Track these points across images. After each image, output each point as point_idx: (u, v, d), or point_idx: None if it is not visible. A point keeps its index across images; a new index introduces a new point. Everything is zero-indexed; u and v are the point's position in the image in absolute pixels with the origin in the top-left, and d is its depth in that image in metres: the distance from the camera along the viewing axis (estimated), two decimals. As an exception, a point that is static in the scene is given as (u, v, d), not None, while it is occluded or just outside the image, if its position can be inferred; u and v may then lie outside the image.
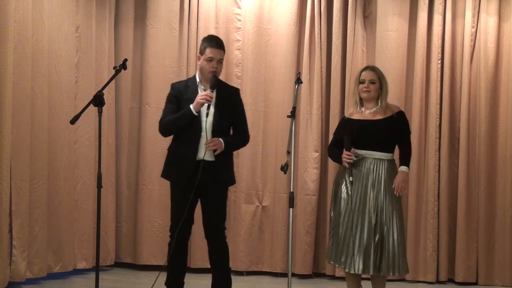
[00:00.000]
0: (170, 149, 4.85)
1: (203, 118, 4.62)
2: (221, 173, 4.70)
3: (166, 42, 6.61)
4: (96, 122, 5.65)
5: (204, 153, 4.62)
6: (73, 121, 4.48)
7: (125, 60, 4.66)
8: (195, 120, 4.63)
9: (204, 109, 4.61)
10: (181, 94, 4.73)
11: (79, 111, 4.53)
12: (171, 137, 4.85)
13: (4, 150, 5.26)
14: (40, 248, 5.70)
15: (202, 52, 4.72)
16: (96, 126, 5.90)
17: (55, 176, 5.90)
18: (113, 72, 4.74)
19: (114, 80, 4.91)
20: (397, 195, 4.72)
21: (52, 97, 5.85)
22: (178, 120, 4.67)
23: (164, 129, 4.78)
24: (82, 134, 6.20)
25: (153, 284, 4.76)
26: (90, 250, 6.23)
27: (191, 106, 4.60)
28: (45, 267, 5.79)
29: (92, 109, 4.57)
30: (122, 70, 4.66)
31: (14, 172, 5.40)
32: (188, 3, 6.59)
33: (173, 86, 4.84)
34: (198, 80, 4.77)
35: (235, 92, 4.90)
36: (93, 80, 6.27)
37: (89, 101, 4.50)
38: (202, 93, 4.62)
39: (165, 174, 4.87)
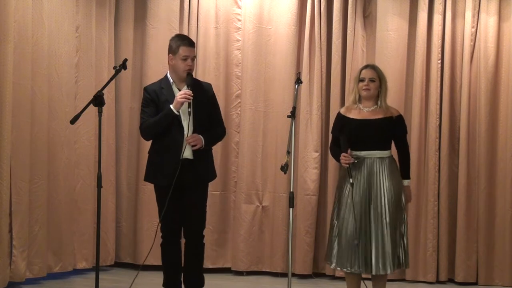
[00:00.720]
0: (152, 152, 4.84)
1: (184, 117, 4.64)
2: (200, 170, 4.74)
3: (166, 42, 6.54)
4: (96, 122, 5.65)
5: (184, 151, 4.65)
6: (73, 121, 4.48)
7: (125, 60, 4.67)
8: (176, 120, 4.65)
9: (185, 108, 4.62)
10: (157, 96, 4.74)
11: (79, 111, 4.54)
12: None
13: (4, 150, 5.26)
14: (40, 248, 5.70)
15: (174, 51, 4.75)
16: (96, 126, 5.90)
17: (55, 176, 5.90)
18: (113, 72, 4.75)
19: (114, 80, 4.91)
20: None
21: (52, 97, 5.86)
22: (160, 121, 4.67)
23: (146, 133, 4.78)
24: (82, 134, 6.20)
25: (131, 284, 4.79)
26: (90, 250, 6.23)
27: (172, 106, 4.61)
28: (45, 267, 5.79)
29: (92, 109, 4.58)
30: (122, 70, 4.67)
31: (14, 172, 5.40)
32: (188, 3, 6.59)
33: (147, 89, 4.83)
34: (171, 80, 4.78)
35: (209, 87, 4.93)
36: (93, 80, 6.27)
37: (89, 101, 4.51)
38: (181, 92, 4.63)
39: (149, 178, 4.86)
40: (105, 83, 4.88)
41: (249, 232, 6.52)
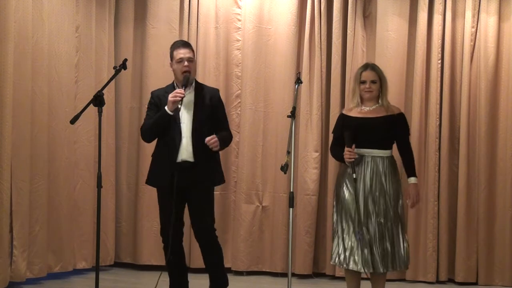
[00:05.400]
0: (153, 154, 4.88)
1: (182, 120, 4.69)
2: (202, 173, 4.72)
3: (166, 42, 6.55)
4: (96, 122, 5.66)
5: (181, 153, 4.68)
6: (73, 121, 4.48)
7: (125, 60, 4.67)
8: (174, 123, 4.68)
9: (182, 110, 4.68)
10: (160, 101, 4.79)
11: (79, 111, 4.54)
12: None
13: (5, 150, 5.27)
14: (40, 248, 5.70)
15: (171, 57, 4.83)
16: (96, 126, 5.91)
17: (55, 176, 5.90)
18: (113, 72, 4.75)
19: (114, 80, 4.91)
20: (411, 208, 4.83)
21: (52, 97, 5.86)
22: (155, 123, 4.73)
23: (144, 134, 4.85)
24: (82, 134, 6.20)
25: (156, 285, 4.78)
26: (89, 250, 6.23)
27: (165, 107, 4.65)
28: (45, 267, 5.79)
29: (92, 109, 4.58)
30: (122, 70, 4.67)
31: (14, 172, 5.40)
32: (188, 3, 6.59)
33: (152, 94, 4.91)
34: (175, 85, 4.84)
35: (214, 92, 4.93)
36: (93, 80, 6.27)
37: (89, 101, 4.51)
38: (173, 92, 4.66)
39: (149, 181, 4.88)
40: (105, 83, 4.88)
41: (249, 232, 6.52)
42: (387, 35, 6.43)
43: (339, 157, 4.85)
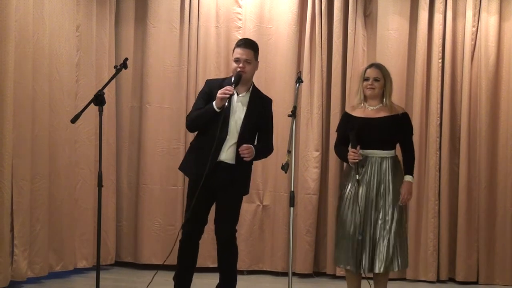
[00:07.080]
0: (194, 144, 4.82)
1: (231, 119, 4.63)
2: (238, 179, 4.68)
3: (167, 41, 6.61)
4: (97, 121, 5.66)
5: (222, 153, 4.62)
6: (73, 120, 4.47)
7: (126, 59, 4.66)
8: (223, 122, 4.61)
9: (232, 109, 4.63)
10: (211, 92, 4.69)
11: (79, 110, 4.53)
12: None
13: (6, 149, 5.27)
14: (41, 247, 5.70)
15: (232, 53, 4.74)
16: (97, 125, 5.91)
17: (56, 175, 5.90)
18: (113, 71, 4.74)
19: (114, 79, 4.91)
20: (401, 204, 4.75)
21: (53, 96, 5.86)
22: (201, 115, 4.66)
23: (190, 124, 4.78)
24: (82, 133, 6.20)
25: (150, 282, 4.75)
26: (90, 249, 6.23)
27: (213, 103, 4.59)
28: (46, 266, 5.79)
29: (93, 108, 4.58)
30: (123, 69, 4.66)
31: (15, 171, 5.40)
32: (188, 2, 6.59)
33: (207, 82, 4.82)
34: (232, 80, 4.73)
35: (267, 101, 4.86)
36: (93, 79, 6.27)
37: (89, 100, 4.50)
38: (222, 88, 4.59)
39: (183, 167, 4.86)
40: (105, 82, 4.87)
41: (250, 231, 6.52)
42: (388, 34, 6.43)
43: (343, 157, 4.84)
